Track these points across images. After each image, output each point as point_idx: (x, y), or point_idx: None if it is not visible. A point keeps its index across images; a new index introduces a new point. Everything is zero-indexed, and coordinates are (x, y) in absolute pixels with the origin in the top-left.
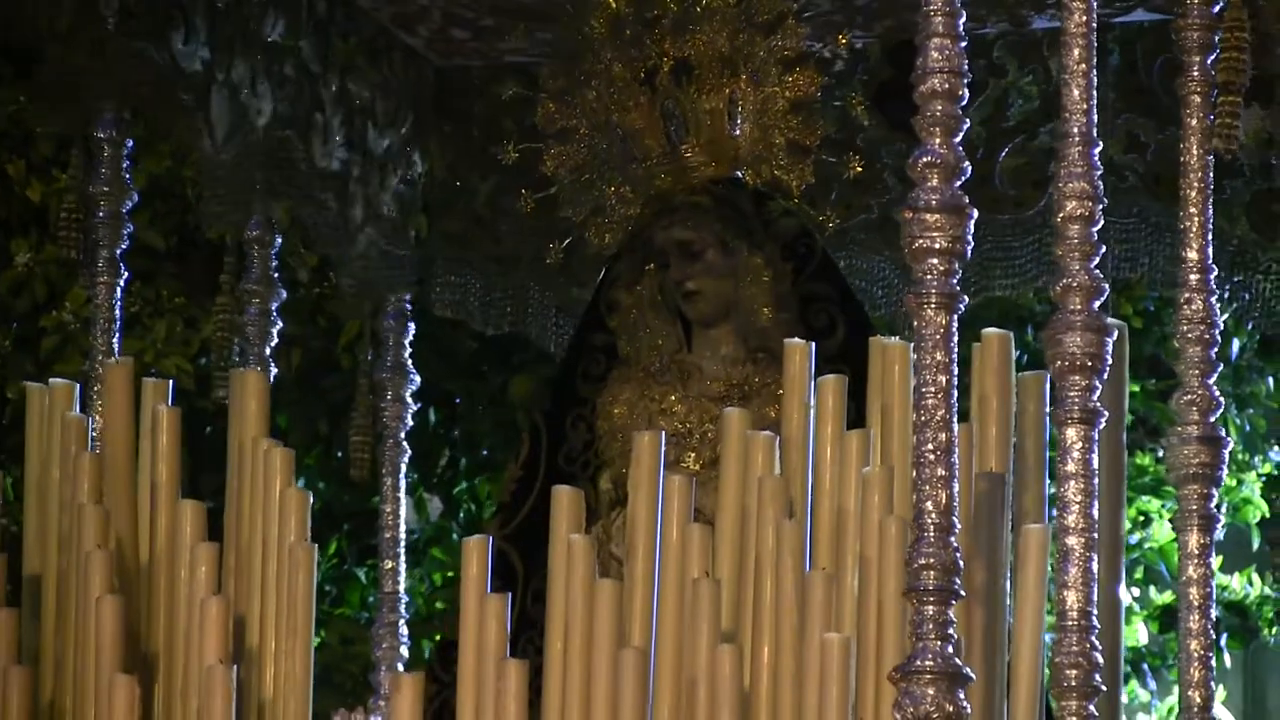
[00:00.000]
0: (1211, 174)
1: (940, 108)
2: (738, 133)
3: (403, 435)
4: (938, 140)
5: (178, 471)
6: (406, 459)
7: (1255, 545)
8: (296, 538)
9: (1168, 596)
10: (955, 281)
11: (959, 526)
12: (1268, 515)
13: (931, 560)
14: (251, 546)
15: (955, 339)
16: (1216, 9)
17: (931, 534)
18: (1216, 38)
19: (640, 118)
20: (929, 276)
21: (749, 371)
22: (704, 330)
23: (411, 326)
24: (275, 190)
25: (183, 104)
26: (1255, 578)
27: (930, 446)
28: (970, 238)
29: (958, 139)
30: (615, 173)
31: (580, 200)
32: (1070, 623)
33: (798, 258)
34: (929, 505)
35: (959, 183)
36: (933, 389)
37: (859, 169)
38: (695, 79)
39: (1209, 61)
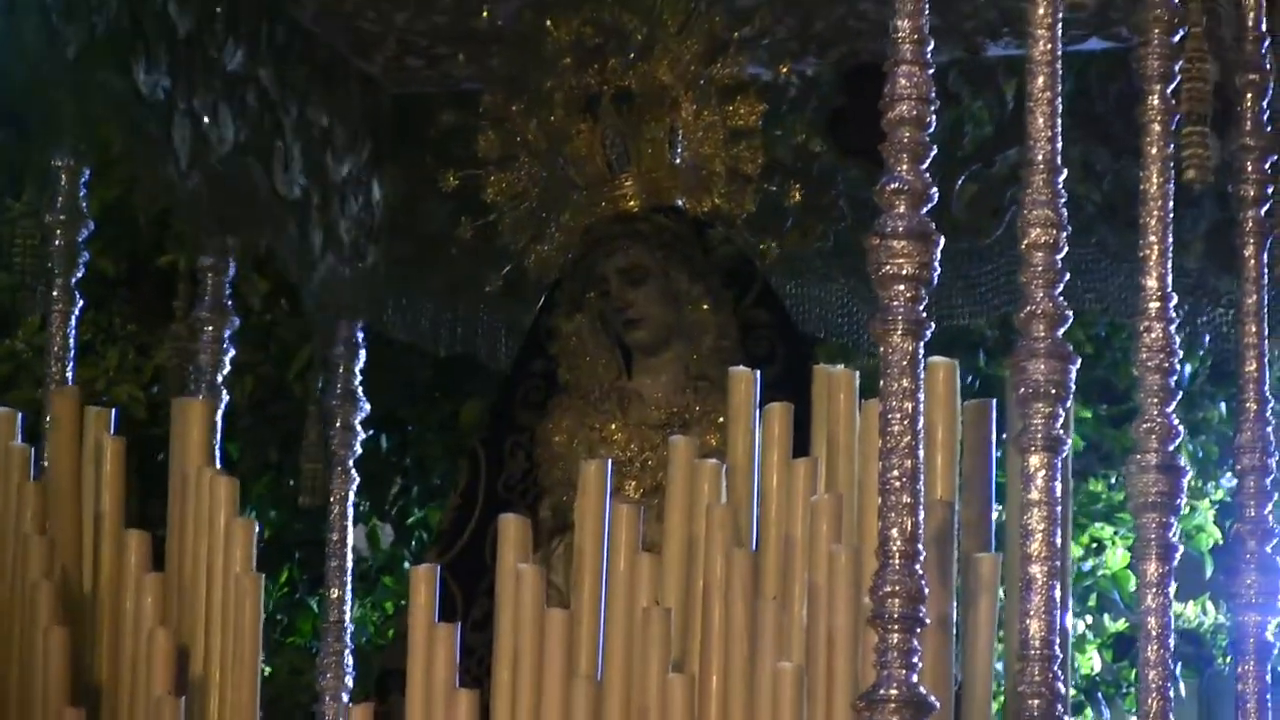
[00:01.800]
0: (1171, 202)
1: (908, 134)
2: (679, 161)
3: (351, 463)
4: (905, 167)
5: (122, 501)
6: (355, 486)
7: (1209, 573)
8: (243, 568)
9: (1121, 624)
10: (922, 308)
11: (923, 554)
12: (1220, 542)
13: (896, 588)
14: (196, 576)
15: (922, 365)
16: (1176, 38)
17: (896, 561)
18: (1177, 67)
19: (582, 146)
20: (896, 303)
21: (689, 399)
22: (644, 358)
23: (362, 354)
24: (238, 218)
25: (145, 132)
26: (1209, 606)
27: (896, 473)
28: (937, 264)
29: (925, 165)
30: (556, 200)
31: (520, 227)
32: (1033, 652)
33: (738, 285)
34: (894, 532)
35: (925, 209)
36: (899, 415)
37: (799, 197)
38: (636, 107)
39: (1169, 90)
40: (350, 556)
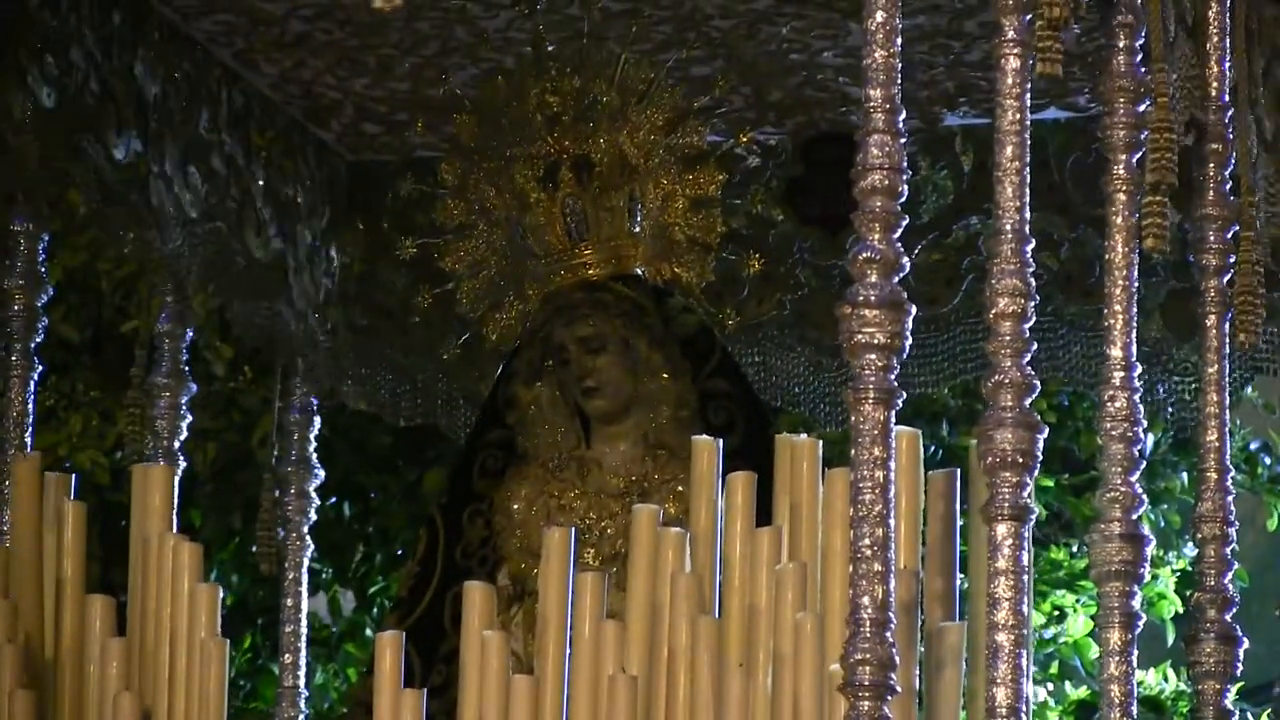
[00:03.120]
0: (1136, 271)
1: (880, 203)
2: (638, 230)
3: (306, 529)
4: (876, 236)
5: (84, 566)
6: (310, 553)
7: (1170, 641)
8: (207, 633)
9: (1083, 692)
10: (893, 377)
11: (894, 622)
12: (1181, 611)
13: (868, 655)
14: (159, 642)
15: (893, 434)
16: (1141, 108)
17: (868, 629)
18: (1142, 136)
19: (541, 214)
20: (867, 371)
21: (648, 468)
22: (603, 426)
23: (317, 420)
24: (219, 281)
25: (119, 197)
26: (1170, 673)
27: (867, 541)
28: (909, 333)
29: (897, 235)
30: (515, 269)
31: (479, 296)
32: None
33: (697, 355)
34: (865, 600)
35: (897, 278)
36: (870, 484)
37: (758, 266)
38: (596, 176)
39: (1134, 160)
40: (305, 622)
